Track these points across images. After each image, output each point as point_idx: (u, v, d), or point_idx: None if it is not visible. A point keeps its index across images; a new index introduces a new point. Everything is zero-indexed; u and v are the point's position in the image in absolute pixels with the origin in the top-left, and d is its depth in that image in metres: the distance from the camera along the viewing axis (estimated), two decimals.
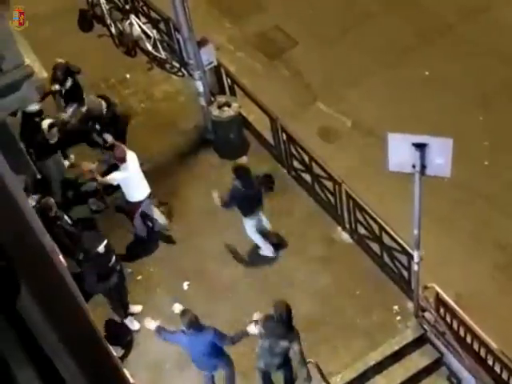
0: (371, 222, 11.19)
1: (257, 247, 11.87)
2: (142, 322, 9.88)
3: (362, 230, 11.70)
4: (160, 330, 9.59)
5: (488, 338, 9.81)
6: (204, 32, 13.06)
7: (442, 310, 10.45)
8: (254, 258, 11.90)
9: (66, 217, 11.53)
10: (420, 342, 10.96)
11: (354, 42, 15.24)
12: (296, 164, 12.79)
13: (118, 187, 11.89)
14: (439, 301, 10.34)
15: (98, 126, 12.85)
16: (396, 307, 11.22)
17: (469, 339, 10.22)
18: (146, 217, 12.18)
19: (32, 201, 10.96)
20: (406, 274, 10.95)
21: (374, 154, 11.69)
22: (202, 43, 12.59)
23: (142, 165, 11.79)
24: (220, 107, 12.96)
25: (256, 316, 9.40)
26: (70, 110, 13.35)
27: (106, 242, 10.14)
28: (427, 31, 15.22)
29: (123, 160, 11.31)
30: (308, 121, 13.92)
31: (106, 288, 10.57)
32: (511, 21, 15.08)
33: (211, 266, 11.95)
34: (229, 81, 13.63)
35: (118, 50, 15.82)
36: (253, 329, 9.33)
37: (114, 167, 11.63)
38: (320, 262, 11.77)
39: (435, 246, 11.08)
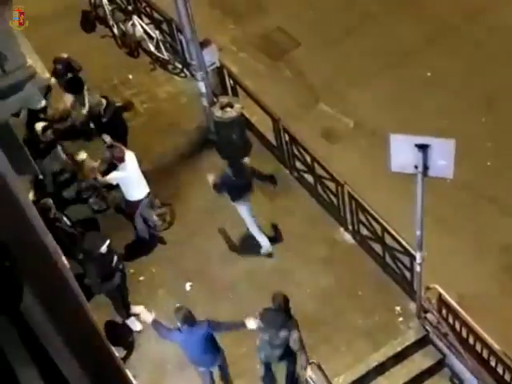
0: (373, 222, 11.19)
1: (258, 247, 11.89)
2: (140, 315, 9.89)
3: (364, 231, 11.70)
4: (156, 324, 9.60)
5: (490, 339, 9.81)
6: (207, 33, 13.07)
7: (444, 311, 10.45)
8: (255, 259, 11.90)
9: (64, 218, 11.53)
10: (422, 343, 10.96)
11: (356, 42, 15.23)
12: (298, 165, 12.79)
13: (116, 186, 11.92)
14: (441, 302, 10.33)
15: (92, 125, 12.95)
16: (398, 308, 11.21)
17: (471, 340, 10.22)
18: (146, 219, 12.21)
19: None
20: (408, 274, 10.94)
21: (377, 155, 11.67)
22: (204, 44, 12.59)
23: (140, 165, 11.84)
24: (222, 108, 12.95)
25: (250, 324, 9.45)
26: (69, 98, 13.43)
27: (108, 241, 10.17)
28: (430, 32, 15.20)
29: (122, 159, 11.37)
30: (310, 122, 13.92)
31: (110, 288, 10.59)
32: None
33: (213, 267, 11.96)
34: (231, 82, 13.63)
35: (121, 51, 15.83)
36: (252, 324, 9.40)
37: (113, 167, 11.67)
38: (322, 263, 11.77)
39: (437, 247, 11.07)
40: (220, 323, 9.52)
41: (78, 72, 13.42)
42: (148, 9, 15.37)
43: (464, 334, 10.30)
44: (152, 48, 15.32)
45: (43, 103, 11.95)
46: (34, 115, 12.11)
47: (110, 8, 15.98)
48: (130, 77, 15.28)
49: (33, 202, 11.06)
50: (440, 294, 10.25)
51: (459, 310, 10.14)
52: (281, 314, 9.47)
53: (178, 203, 12.82)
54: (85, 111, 13.42)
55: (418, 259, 9.82)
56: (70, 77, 13.36)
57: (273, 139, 13.20)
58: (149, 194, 11.86)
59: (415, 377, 10.81)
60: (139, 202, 11.77)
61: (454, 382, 10.81)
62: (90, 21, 16.42)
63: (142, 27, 15.34)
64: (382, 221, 10.93)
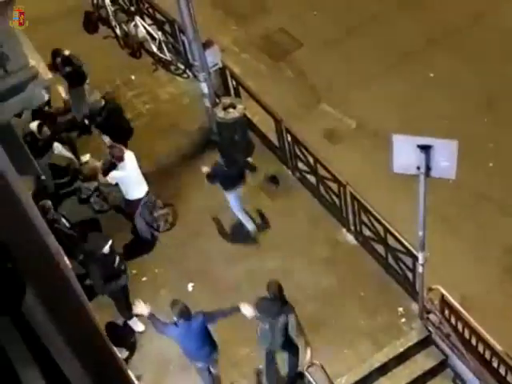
0: (376, 223, 11.18)
1: (259, 247, 11.90)
2: (136, 309, 9.89)
3: (366, 232, 11.69)
4: (152, 318, 9.61)
5: (493, 340, 9.79)
6: (209, 34, 13.08)
7: (446, 312, 10.44)
8: (257, 259, 11.90)
9: (63, 219, 11.54)
10: (425, 343, 10.95)
11: (358, 43, 15.23)
12: (301, 165, 12.79)
13: (115, 186, 11.95)
14: (444, 302, 10.32)
15: (86, 122, 13.02)
16: (401, 309, 11.21)
17: (474, 341, 10.20)
18: (148, 220, 12.24)
19: None
20: (410, 275, 10.93)
21: (379, 156, 11.67)
22: (207, 45, 12.59)
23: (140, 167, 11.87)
24: (225, 109, 12.95)
25: (245, 309, 9.43)
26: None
27: (111, 242, 10.18)
28: (432, 33, 15.19)
29: (121, 159, 11.44)
30: (312, 122, 13.91)
31: (114, 289, 10.59)
32: None
33: (215, 267, 11.96)
34: (233, 82, 13.63)
35: (123, 52, 15.85)
36: (247, 309, 9.41)
37: (113, 166, 11.70)
38: (324, 264, 11.77)
39: (440, 248, 11.07)
40: (214, 312, 9.58)
41: (78, 68, 13.44)
42: (150, 10, 15.38)
43: (466, 334, 10.29)
44: (154, 49, 15.33)
45: (46, 97, 12.00)
46: (38, 109, 12.13)
47: (112, 9, 16.01)
48: (133, 77, 15.29)
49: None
50: (442, 295, 10.24)
51: (461, 311, 10.13)
52: (276, 302, 9.61)
53: (180, 204, 12.83)
54: (85, 106, 13.47)
55: (421, 260, 9.81)
56: (73, 69, 13.39)
57: (275, 140, 13.20)
58: (148, 192, 11.90)
59: (417, 377, 10.80)
60: (139, 201, 11.81)
61: (456, 383, 10.80)
62: (93, 22, 16.43)
63: (145, 28, 15.36)
64: (384, 221, 10.92)
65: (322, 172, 12.11)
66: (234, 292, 11.53)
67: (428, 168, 8.28)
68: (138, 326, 11.28)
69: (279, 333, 9.71)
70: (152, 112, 14.56)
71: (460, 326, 10.33)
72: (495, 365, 10.00)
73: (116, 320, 11.30)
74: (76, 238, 11.27)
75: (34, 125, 12.20)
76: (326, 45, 15.28)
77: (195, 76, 13.66)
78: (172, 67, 15.35)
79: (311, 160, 12.27)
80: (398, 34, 15.24)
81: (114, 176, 11.60)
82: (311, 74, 15.01)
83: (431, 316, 10.80)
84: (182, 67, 15.12)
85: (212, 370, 10.25)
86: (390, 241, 11.03)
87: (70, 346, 2.57)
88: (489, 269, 11.61)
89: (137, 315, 11.25)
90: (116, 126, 13.04)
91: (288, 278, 11.42)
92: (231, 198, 11.95)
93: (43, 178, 12.51)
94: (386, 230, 10.97)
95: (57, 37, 15.09)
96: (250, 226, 12.21)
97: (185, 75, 15.14)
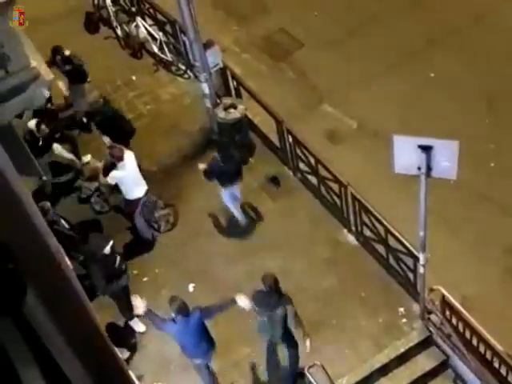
0: (377, 224, 11.18)
1: (260, 247, 11.90)
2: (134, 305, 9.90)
3: (367, 232, 11.69)
4: (150, 314, 9.61)
5: (494, 340, 9.79)
6: (210, 34, 13.07)
7: (447, 313, 10.43)
8: (258, 259, 11.89)
9: (62, 221, 11.54)
10: (426, 344, 10.94)
11: (359, 43, 15.23)
12: (302, 166, 12.79)
13: (115, 187, 11.96)
14: (445, 303, 10.32)
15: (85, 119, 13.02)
16: (402, 309, 11.21)
17: (475, 341, 10.20)
18: (149, 220, 12.24)
19: None
20: (411, 276, 10.93)
21: (380, 156, 11.66)
22: (207, 45, 12.60)
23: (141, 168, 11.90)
24: (226, 109, 12.96)
25: (241, 300, 9.44)
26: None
27: (112, 242, 10.19)
28: (433, 33, 15.19)
29: (120, 158, 11.49)
30: (314, 123, 13.91)
31: (116, 289, 10.60)
32: None
33: (216, 267, 11.96)
34: (234, 83, 13.63)
35: (124, 52, 15.85)
36: (243, 300, 9.40)
37: (112, 166, 11.71)
38: (325, 264, 11.77)
39: (441, 248, 11.06)
40: (211, 307, 9.59)
41: (79, 67, 13.45)
42: (151, 10, 15.38)
43: (467, 335, 10.28)
44: (155, 49, 15.33)
45: (47, 94, 12.01)
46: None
47: (113, 9, 16.00)
48: (134, 78, 15.29)
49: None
50: (443, 296, 10.24)
51: (463, 312, 10.13)
52: (273, 294, 9.64)
53: (181, 204, 12.83)
54: (85, 103, 13.49)
55: (422, 260, 9.81)
56: (73, 67, 13.40)
57: (276, 140, 13.20)
58: (147, 191, 11.92)
59: (418, 378, 10.80)
60: (138, 200, 11.85)
61: None
62: (94, 22, 16.43)
63: (146, 28, 15.36)
64: (385, 222, 10.92)
65: (323, 172, 12.11)
66: (234, 292, 11.44)
67: (429, 168, 8.28)
68: (139, 326, 11.29)
69: (278, 325, 9.74)
70: (153, 112, 14.57)
71: (461, 327, 10.33)
72: (496, 365, 9.99)
73: (117, 320, 11.31)
74: (76, 238, 11.27)
75: (32, 123, 12.21)
76: (326, 45, 15.28)
77: (196, 76, 13.66)
78: (173, 68, 15.34)
79: (312, 161, 12.27)
80: (399, 34, 15.24)
81: (113, 176, 11.62)
82: (312, 75, 15.01)
83: (432, 316, 10.80)
84: (183, 68, 15.11)
85: (210, 366, 10.27)
86: (391, 241, 11.03)
87: (70, 346, 2.57)
88: (490, 269, 11.60)
89: (138, 316, 11.27)
90: (117, 127, 13.04)
91: (289, 279, 11.41)
92: (225, 194, 12.05)
93: (44, 178, 12.53)
94: (387, 231, 10.97)
95: (58, 37, 15.06)
96: (240, 217, 12.39)
97: (186, 76, 15.14)
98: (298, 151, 12.59)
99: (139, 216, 12.01)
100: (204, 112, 13.57)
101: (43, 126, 12.26)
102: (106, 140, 12.67)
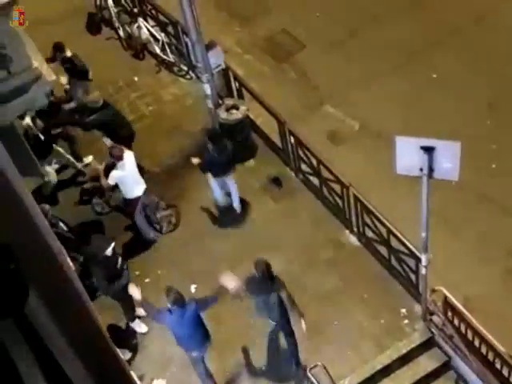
0: (379, 225, 11.17)
1: (261, 247, 11.92)
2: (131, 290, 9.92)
3: (369, 233, 11.69)
4: (146, 305, 9.61)
5: (496, 341, 9.78)
6: (212, 35, 13.07)
7: (449, 314, 10.42)
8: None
9: (61, 223, 11.53)
10: (428, 345, 10.94)
11: (361, 44, 15.23)
12: (304, 167, 12.79)
13: (115, 187, 11.98)
14: (447, 304, 10.31)
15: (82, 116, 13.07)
16: (404, 310, 11.20)
17: (477, 342, 10.19)
18: (149, 220, 12.26)
19: None
20: (413, 277, 10.92)
21: (382, 157, 11.65)
22: (210, 46, 12.58)
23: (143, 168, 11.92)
24: (228, 110, 12.96)
25: (229, 283, 9.39)
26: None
27: (113, 244, 10.20)
28: (435, 34, 15.19)
29: (120, 158, 11.54)
30: (316, 123, 13.92)
31: (117, 289, 10.61)
32: None
33: (218, 268, 11.88)
34: (237, 84, 13.63)
35: (126, 53, 15.86)
36: (230, 283, 9.29)
37: (112, 166, 11.72)
38: (328, 265, 11.77)
39: (443, 249, 11.05)
40: (206, 298, 9.59)
41: (81, 67, 13.45)
42: (153, 11, 15.39)
43: (469, 336, 10.27)
44: (157, 50, 15.33)
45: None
46: None
47: (115, 10, 16.01)
48: (136, 79, 15.30)
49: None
50: (445, 297, 10.23)
51: (464, 312, 10.12)
52: (266, 280, 9.67)
53: (183, 204, 12.84)
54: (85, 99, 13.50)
55: (424, 261, 9.80)
56: (74, 65, 13.42)
57: (278, 141, 13.20)
58: (146, 190, 11.98)
59: (420, 379, 10.79)
60: (138, 199, 11.90)
61: None
62: (96, 23, 16.45)
63: (148, 29, 15.37)
64: (387, 223, 10.92)
65: (325, 173, 12.11)
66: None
67: (431, 169, 8.27)
68: (140, 327, 11.30)
69: (274, 308, 9.81)
70: (155, 113, 14.58)
71: (463, 328, 10.32)
72: (498, 366, 9.98)
73: (118, 321, 11.31)
74: (75, 240, 11.26)
75: (27, 119, 12.19)
76: (328, 46, 15.28)
77: (198, 77, 13.65)
78: (175, 68, 15.35)
79: (314, 161, 12.27)
80: (401, 35, 15.24)
81: (113, 176, 11.64)
82: (314, 76, 15.01)
83: (434, 317, 10.79)
84: (185, 68, 15.13)
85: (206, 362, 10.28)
86: (393, 242, 11.03)
87: (72, 347, 2.57)
88: (492, 270, 11.60)
89: (139, 316, 11.28)
90: (116, 130, 13.00)
91: (291, 279, 11.41)
92: (214, 184, 12.34)
93: (46, 179, 12.53)
94: (389, 232, 10.96)
95: (60, 38, 15.00)
96: (221, 200, 12.67)
97: (188, 76, 15.15)
98: (300, 152, 12.59)
99: (139, 214, 12.03)
100: (206, 113, 13.55)
101: (39, 121, 12.26)
102: (107, 141, 12.69)
